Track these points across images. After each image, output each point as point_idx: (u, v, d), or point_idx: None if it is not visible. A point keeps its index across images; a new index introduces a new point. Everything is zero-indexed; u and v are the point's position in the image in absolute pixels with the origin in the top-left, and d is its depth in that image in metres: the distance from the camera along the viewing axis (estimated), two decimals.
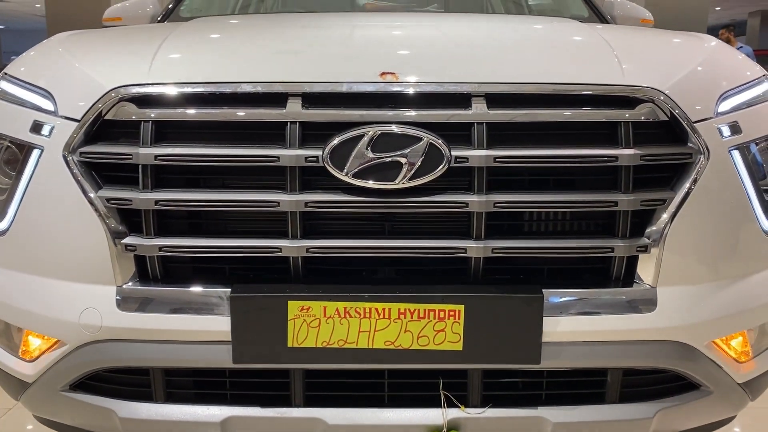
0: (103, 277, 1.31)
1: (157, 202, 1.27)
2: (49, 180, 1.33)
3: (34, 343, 1.43)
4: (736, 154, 1.37)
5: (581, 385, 1.38)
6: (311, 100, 1.29)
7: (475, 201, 1.25)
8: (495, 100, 1.29)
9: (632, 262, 1.32)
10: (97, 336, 1.31)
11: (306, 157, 1.25)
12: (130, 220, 1.31)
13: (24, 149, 1.38)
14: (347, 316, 1.26)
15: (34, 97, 1.40)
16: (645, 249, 1.30)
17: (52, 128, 1.34)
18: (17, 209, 1.38)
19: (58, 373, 1.37)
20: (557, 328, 1.28)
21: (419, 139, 1.23)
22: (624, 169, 1.28)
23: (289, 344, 1.27)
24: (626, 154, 1.27)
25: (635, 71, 1.36)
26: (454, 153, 1.24)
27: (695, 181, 1.31)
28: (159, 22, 2.59)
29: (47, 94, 1.38)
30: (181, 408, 1.35)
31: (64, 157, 1.31)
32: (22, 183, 1.37)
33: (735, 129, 1.38)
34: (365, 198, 1.25)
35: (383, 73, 1.30)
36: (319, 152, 1.24)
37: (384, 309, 1.25)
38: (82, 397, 1.38)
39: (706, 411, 1.43)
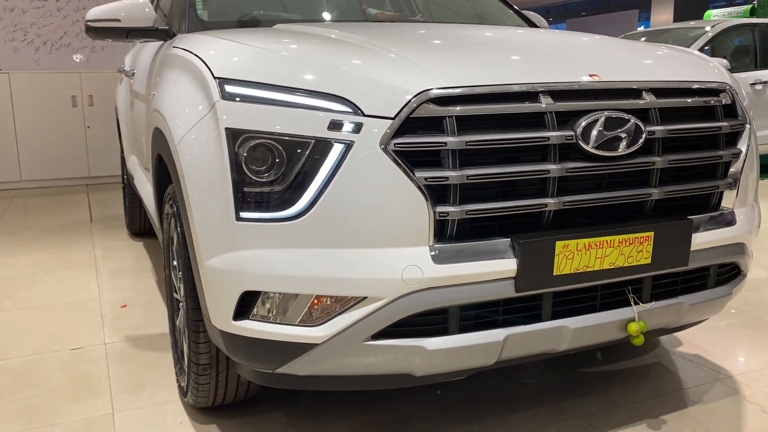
0: (420, 239, 1.65)
1: (468, 177, 1.65)
2: (364, 167, 1.62)
3: (327, 307, 1.70)
4: (752, 122, 2.18)
5: (693, 279, 2.08)
6: (554, 95, 1.77)
7: (659, 160, 1.87)
8: (655, 92, 1.90)
9: (721, 194, 2.05)
10: (416, 287, 1.65)
11: (566, 137, 1.74)
12: (434, 193, 1.66)
13: (320, 144, 1.63)
14: (590, 248, 1.79)
15: (324, 102, 1.66)
16: (733, 184, 2.03)
17: (359, 126, 1.63)
18: (316, 195, 1.63)
19: (366, 326, 1.67)
20: (695, 241, 1.95)
21: (628, 120, 1.80)
22: (723, 135, 2.00)
23: (554, 273, 1.76)
24: (725, 125, 1.99)
25: (714, 72, 2.08)
26: (647, 128, 1.83)
27: (749, 138, 2.08)
28: (168, 27, 2.70)
29: (342, 100, 1.66)
30: (473, 335, 1.75)
31: (383, 148, 1.61)
32: (322, 172, 1.63)
33: (750, 106, 2.19)
34: (602, 163, 1.79)
35: (591, 75, 1.83)
36: (571, 132, 1.74)
37: (612, 240, 1.81)
38: (388, 342, 1.69)
39: (741, 287, 2.23)
